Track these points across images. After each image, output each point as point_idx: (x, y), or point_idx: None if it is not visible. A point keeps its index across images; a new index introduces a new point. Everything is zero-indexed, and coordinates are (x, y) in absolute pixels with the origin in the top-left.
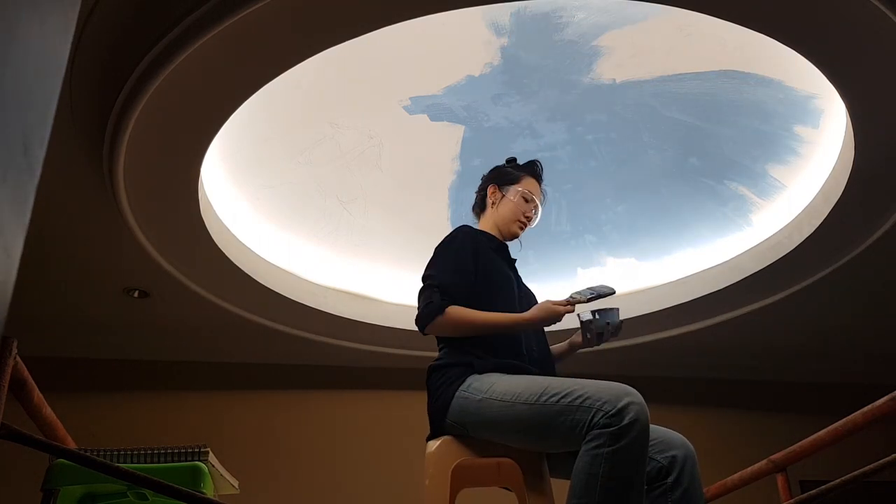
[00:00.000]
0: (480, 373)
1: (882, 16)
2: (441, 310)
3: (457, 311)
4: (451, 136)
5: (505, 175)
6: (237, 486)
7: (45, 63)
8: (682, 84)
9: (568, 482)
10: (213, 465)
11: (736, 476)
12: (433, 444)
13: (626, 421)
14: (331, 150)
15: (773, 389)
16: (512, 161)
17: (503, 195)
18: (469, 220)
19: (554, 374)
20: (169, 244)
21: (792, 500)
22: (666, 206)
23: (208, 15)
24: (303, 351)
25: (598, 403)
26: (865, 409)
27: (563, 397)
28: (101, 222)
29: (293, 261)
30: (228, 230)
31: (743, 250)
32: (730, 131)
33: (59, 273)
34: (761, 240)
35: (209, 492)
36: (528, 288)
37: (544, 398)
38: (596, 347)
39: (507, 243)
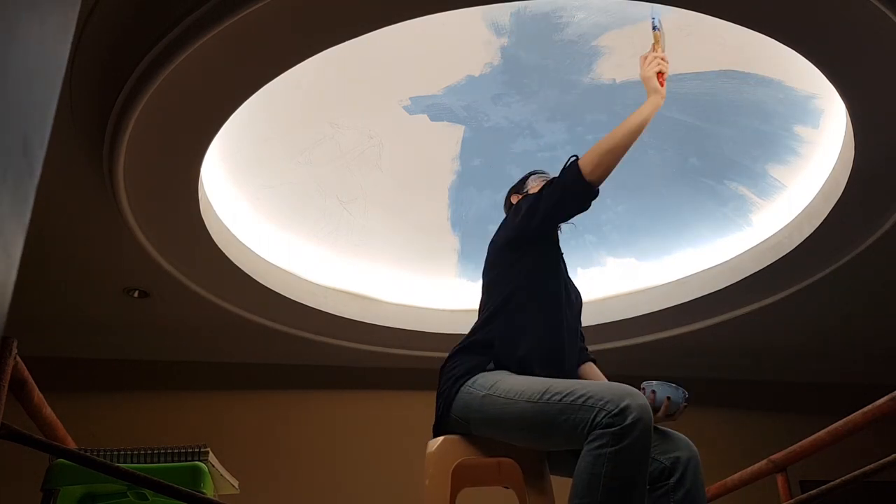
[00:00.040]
0: (490, 369)
1: (882, 16)
2: (577, 170)
3: (587, 156)
4: (451, 136)
5: (517, 184)
6: (237, 486)
7: (45, 63)
8: (682, 84)
9: (568, 480)
10: (213, 465)
11: (736, 476)
12: (433, 444)
13: (628, 421)
14: (331, 150)
15: (773, 389)
16: None
17: (525, 192)
18: (470, 221)
19: (575, 373)
20: (169, 244)
21: (792, 501)
22: (666, 206)
23: (208, 15)
24: (303, 351)
25: (601, 403)
26: (865, 409)
27: (565, 396)
28: (101, 222)
29: (293, 261)
30: (228, 230)
31: (743, 250)
32: (730, 131)
33: (59, 273)
34: (761, 240)
35: (209, 492)
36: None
37: (547, 396)
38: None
39: None
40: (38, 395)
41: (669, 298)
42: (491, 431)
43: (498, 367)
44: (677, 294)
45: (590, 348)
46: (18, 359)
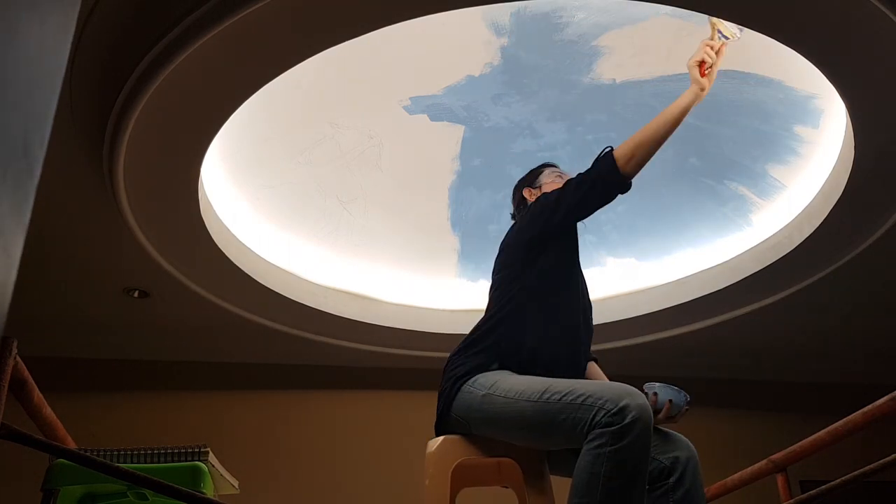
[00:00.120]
0: (492, 370)
1: (882, 16)
2: (612, 162)
3: (622, 147)
4: (451, 136)
5: (528, 177)
6: (237, 486)
7: (45, 63)
8: (682, 84)
9: (568, 480)
10: (213, 465)
11: (736, 476)
12: (433, 444)
13: (627, 420)
14: (331, 150)
15: (773, 389)
16: None
17: (539, 187)
18: (470, 221)
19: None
20: (169, 244)
21: (792, 501)
22: (666, 206)
23: (208, 15)
24: (303, 351)
25: (600, 402)
26: (865, 409)
27: (564, 395)
28: (101, 222)
29: (293, 261)
30: (228, 230)
31: (743, 250)
32: (730, 131)
33: (59, 273)
34: (761, 240)
35: (209, 492)
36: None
37: (547, 396)
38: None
39: None
40: (38, 395)
41: (669, 298)
42: (491, 431)
43: (501, 368)
44: (677, 294)
45: (591, 348)
46: (18, 359)
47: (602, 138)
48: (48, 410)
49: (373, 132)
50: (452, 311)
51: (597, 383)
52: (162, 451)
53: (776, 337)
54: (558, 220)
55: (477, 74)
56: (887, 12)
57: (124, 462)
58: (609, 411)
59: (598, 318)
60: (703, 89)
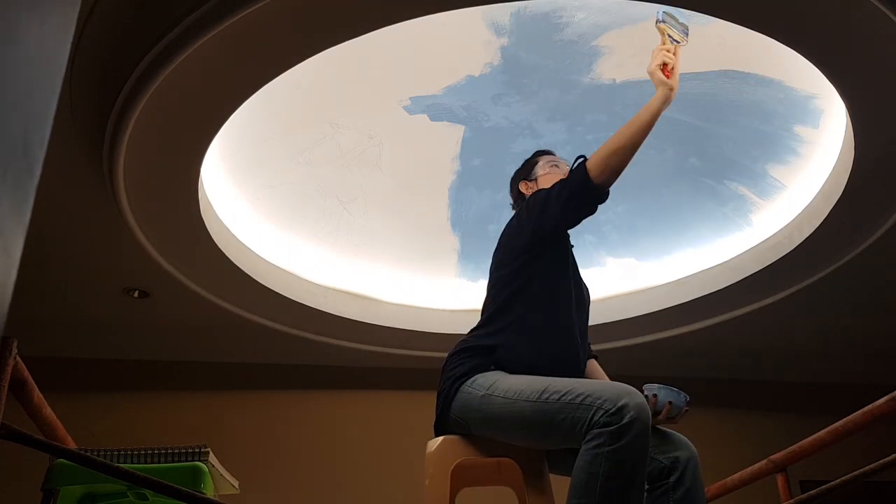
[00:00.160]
0: (490, 370)
1: (882, 16)
2: (585, 173)
3: (594, 157)
4: (451, 136)
5: (524, 168)
6: (237, 486)
7: (45, 63)
8: (682, 84)
9: (567, 479)
10: (213, 465)
11: (736, 476)
12: (433, 444)
13: (625, 420)
14: (331, 150)
15: (773, 389)
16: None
17: (535, 180)
18: (470, 221)
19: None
20: (169, 244)
21: (792, 501)
22: (666, 206)
23: (208, 15)
24: (303, 351)
25: (599, 402)
26: (865, 409)
27: (563, 395)
28: (101, 222)
29: (293, 261)
30: (228, 230)
31: (743, 250)
32: (730, 131)
33: (59, 273)
34: (761, 240)
35: (209, 492)
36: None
37: (545, 396)
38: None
39: None
40: (38, 395)
41: (669, 298)
42: (490, 431)
43: (499, 369)
44: (677, 294)
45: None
46: (18, 359)
47: (602, 138)
48: (48, 410)
49: (373, 132)
50: (452, 311)
51: (596, 383)
52: (162, 451)
53: (776, 337)
54: (549, 228)
55: (477, 74)
56: (887, 12)
57: (124, 462)
58: (607, 411)
59: (598, 318)
60: (672, 89)
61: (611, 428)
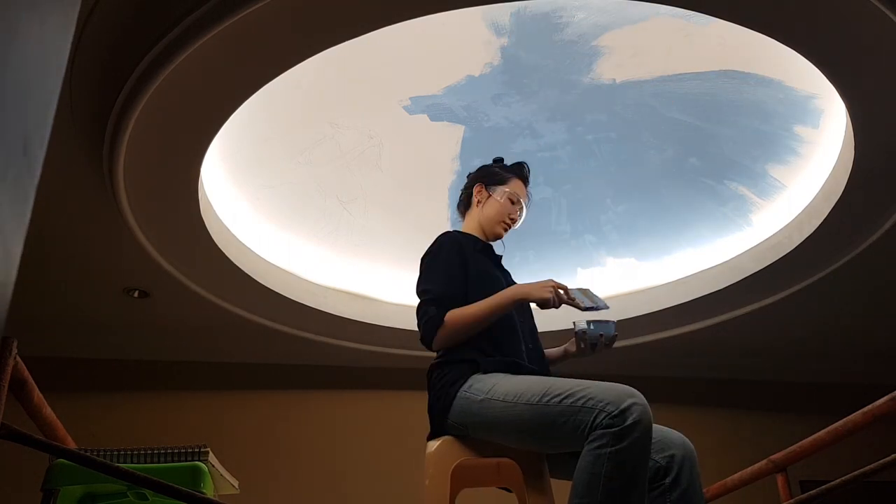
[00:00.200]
0: (484, 372)
1: (882, 16)
2: (440, 320)
3: (455, 315)
4: (451, 136)
5: (492, 175)
6: (237, 486)
7: (45, 63)
8: (682, 84)
9: (567, 483)
10: (213, 465)
11: (736, 476)
12: (433, 445)
13: (629, 421)
14: (331, 150)
15: (773, 389)
16: (499, 161)
17: (489, 195)
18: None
19: (549, 375)
20: (169, 244)
21: (792, 501)
22: (666, 206)
23: (208, 15)
24: (303, 351)
25: (602, 404)
26: (865, 409)
27: (565, 398)
28: (101, 222)
29: (293, 261)
30: (228, 230)
31: (743, 250)
32: (730, 131)
33: (59, 273)
34: (761, 240)
35: (209, 492)
36: (515, 283)
37: (546, 399)
38: (589, 356)
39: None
40: (38, 395)
41: (669, 298)
42: (490, 435)
43: (491, 371)
44: (677, 294)
45: None
46: (18, 359)
47: (602, 138)
48: (48, 410)
49: (373, 132)
50: None
51: (597, 384)
52: (162, 451)
53: (776, 337)
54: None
55: (477, 74)
56: (887, 12)
57: (124, 462)
58: (610, 413)
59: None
60: (539, 296)
61: (614, 429)
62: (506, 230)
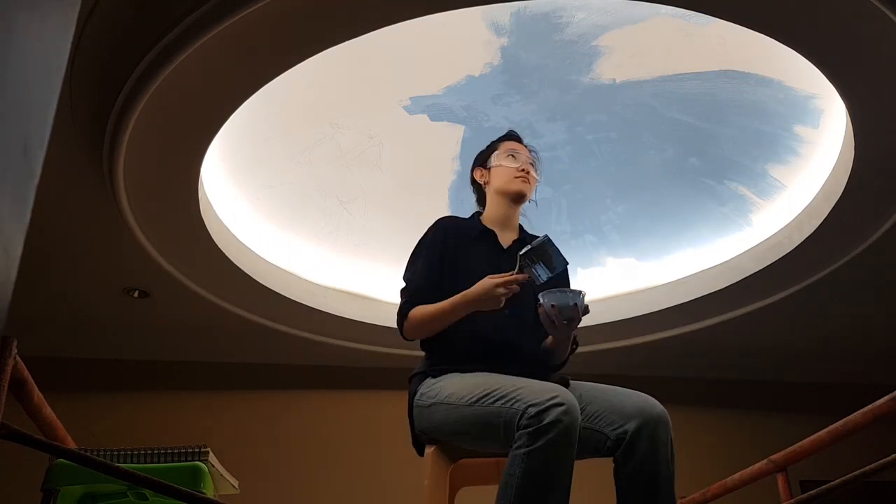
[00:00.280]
0: (434, 376)
1: (882, 16)
2: (405, 315)
3: (416, 312)
4: (451, 136)
5: (482, 154)
6: (237, 486)
7: (45, 63)
8: (682, 84)
9: (575, 477)
10: (213, 465)
11: (736, 476)
12: (431, 445)
13: (545, 421)
14: (331, 150)
15: (773, 389)
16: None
17: (489, 169)
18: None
19: (543, 371)
20: (169, 244)
21: (792, 501)
22: (666, 206)
23: (208, 15)
24: (303, 351)
25: (524, 405)
26: (865, 409)
27: (499, 398)
28: (101, 222)
29: (293, 261)
30: (228, 230)
31: (743, 250)
32: (730, 131)
33: (59, 273)
34: (761, 240)
35: (209, 492)
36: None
37: (483, 399)
38: (563, 331)
39: (502, 228)
40: (38, 395)
41: (669, 298)
42: (446, 438)
43: (448, 369)
44: (677, 294)
45: (590, 349)
46: (18, 359)
47: (602, 138)
48: (48, 410)
49: (373, 132)
50: None
51: (533, 383)
52: (162, 451)
53: (776, 337)
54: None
55: (477, 74)
56: (887, 12)
57: (124, 462)
58: (530, 413)
59: (598, 318)
60: (487, 298)
61: (530, 430)
62: (526, 182)
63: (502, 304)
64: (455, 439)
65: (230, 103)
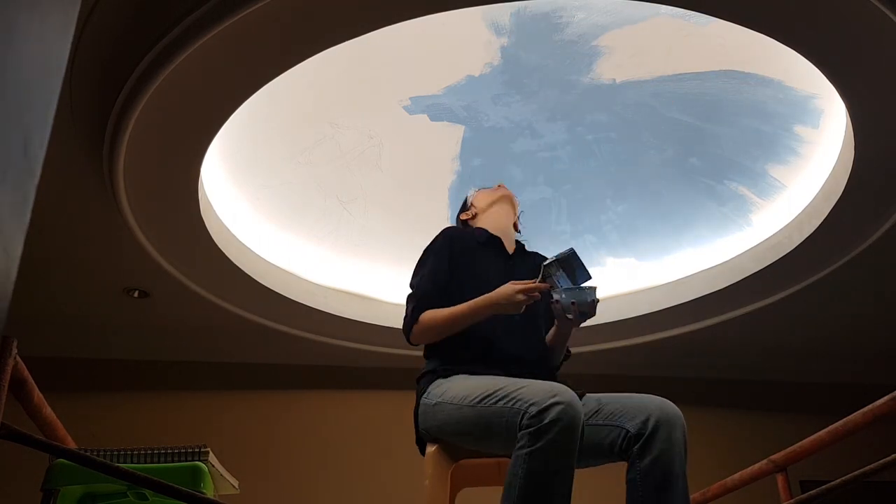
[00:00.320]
0: (445, 376)
1: (882, 16)
2: (415, 320)
3: (427, 316)
4: (451, 136)
5: (462, 206)
6: (237, 486)
7: (45, 63)
8: (682, 84)
9: (577, 477)
10: (213, 465)
11: (736, 476)
12: (433, 445)
13: (545, 421)
14: (331, 150)
15: (773, 389)
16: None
17: (472, 206)
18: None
19: (547, 372)
20: (169, 244)
21: (792, 501)
22: (666, 206)
23: (208, 15)
24: (303, 351)
25: (526, 405)
26: (865, 409)
27: (501, 399)
28: (101, 222)
29: (293, 261)
30: (228, 230)
31: (743, 250)
32: (730, 131)
33: (59, 273)
34: (761, 240)
35: (209, 492)
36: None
37: (486, 400)
38: (575, 326)
39: (505, 236)
40: (38, 395)
41: (669, 298)
42: (448, 438)
43: (456, 371)
44: (677, 294)
45: (590, 349)
46: (18, 359)
47: (602, 138)
48: (48, 410)
49: (373, 132)
50: None
51: (532, 384)
52: (162, 451)
53: (776, 337)
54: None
55: (477, 74)
56: (887, 12)
57: (124, 462)
58: (531, 413)
59: (598, 317)
60: (508, 303)
61: (531, 430)
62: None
63: (522, 311)
64: (458, 440)
65: (230, 103)
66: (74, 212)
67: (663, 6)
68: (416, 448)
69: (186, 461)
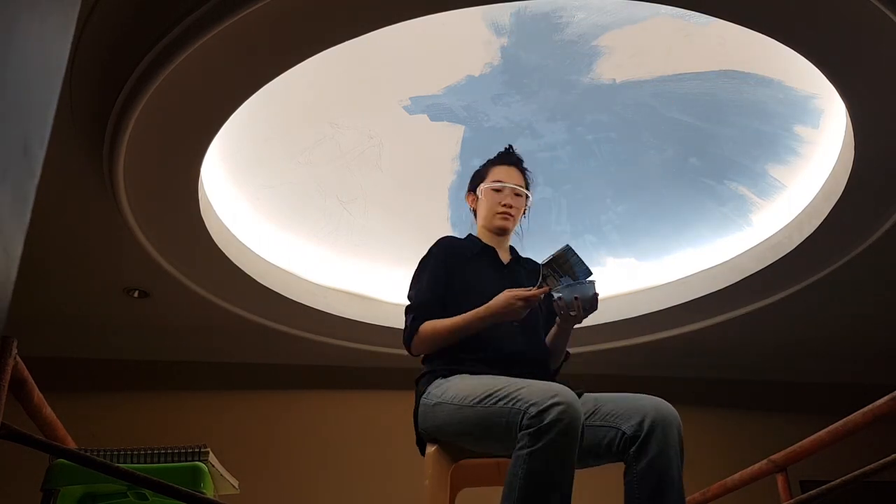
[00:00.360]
0: (444, 377)
1: (882, 16)
2: (415, 331)
3: (427, 327)
4: (451, 136)
5: (475, 178)
6: (237, 486)
7: (45, 63)
8: (682, 84)
9: (578, 478)
10: (213, 465)
11: (736, 476)
12: (433, 445)
13: (546, 421)
14: (331, 150)
15: (773, 389)
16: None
17: (477, 197)
18: (470, 221)
19: (546, 372)
20: (169, 244)
21: (792, 501)
22: (666, 206)
23: (208, 15)
24: (303, 351)
25: (526, 405)
26: (865, 409)
27: (501, 399)
28: (101, 222)
29: (293, 261)
30: (228, 230)
31: (743, 250)
32: (730, 131)
33: (59, 273)
34: (761, 240)
35: (209, 492)
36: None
37: (486, 400)
38: (576, 321)
39: (499, 245)
40: (38, 395)
41: (669, 298)
42: (448, 438)
43: (457, 371)
44: (677, 294)
45: (590, 349)
46: (18, 359)
47: (602, 138)
48: (48, 410)
49: (373, 132)
50: None
51: (532, 384)
52: (162, 451)
53: (776, 337)
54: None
55: (477, 74)
56: (887, 12)
57: (124, 462)
58: (531, 414)
59: (598, 317)
60: (508, 311)
61: (531, 430)
62: (507, 219)
63: (522, 317)
64: (458, 440)
65: (230, 103)
66: (74, 212)
67: (663, 6)
68: (416, 448)
69: (186, 461)
